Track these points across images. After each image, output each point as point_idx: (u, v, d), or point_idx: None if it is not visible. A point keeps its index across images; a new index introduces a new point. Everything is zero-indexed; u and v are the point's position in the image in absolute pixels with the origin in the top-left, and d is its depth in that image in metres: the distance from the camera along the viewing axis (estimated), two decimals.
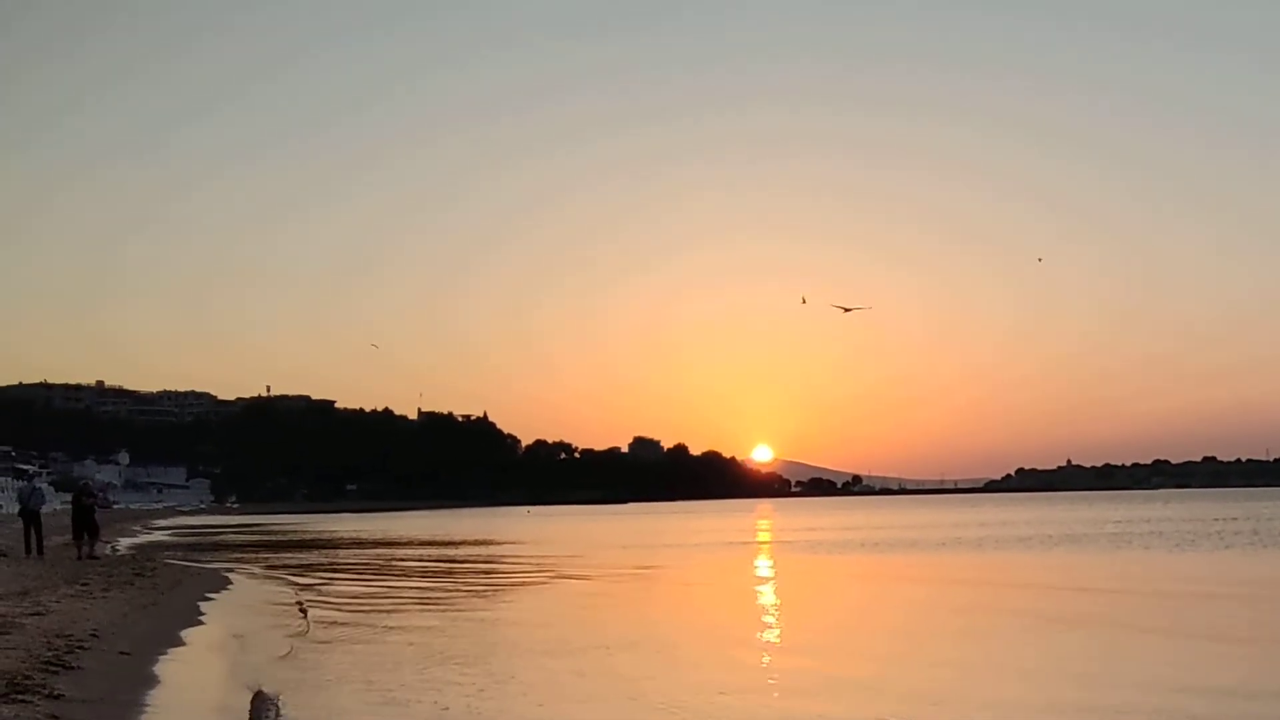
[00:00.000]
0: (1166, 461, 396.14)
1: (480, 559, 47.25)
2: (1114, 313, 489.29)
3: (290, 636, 20.45)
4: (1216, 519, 74.96)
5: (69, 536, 37.66)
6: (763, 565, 42.45)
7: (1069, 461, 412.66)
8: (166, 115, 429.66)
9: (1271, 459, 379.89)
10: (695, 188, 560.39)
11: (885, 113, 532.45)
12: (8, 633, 16.48)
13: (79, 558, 35.21)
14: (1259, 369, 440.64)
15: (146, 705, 13.35)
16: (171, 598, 26.38)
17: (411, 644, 19.02)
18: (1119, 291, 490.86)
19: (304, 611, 25.00)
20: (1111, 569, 36.60)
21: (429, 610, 25.32)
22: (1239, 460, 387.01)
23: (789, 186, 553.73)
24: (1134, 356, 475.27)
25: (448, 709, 13.24)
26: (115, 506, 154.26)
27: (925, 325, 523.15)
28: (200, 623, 22.29)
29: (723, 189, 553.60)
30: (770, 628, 22.26)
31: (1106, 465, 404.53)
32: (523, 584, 33.72)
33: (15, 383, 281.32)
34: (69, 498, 41.58)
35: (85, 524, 36.54)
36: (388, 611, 25.07)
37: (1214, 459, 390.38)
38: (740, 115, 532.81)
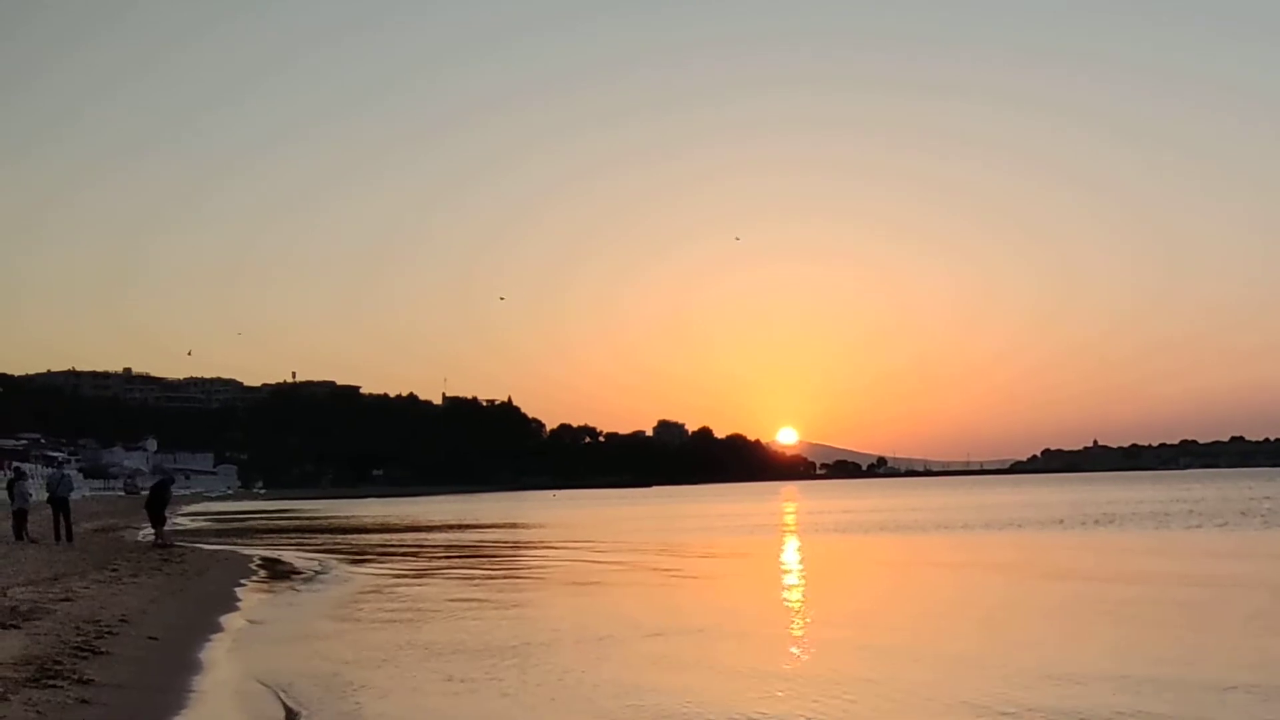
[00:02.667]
0: (1194, 442, 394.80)
1: (508, 543, 47.24)
2: (1142, 293, 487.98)
3: (316, 622, 20.45)
4: (1254, 498, 74.56)
5: (98, 523, 37.99)
6: (791, 548, 42.29)
7: (1095, 442, 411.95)
8: (192, 105, 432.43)
9: None
10: (718, 172, 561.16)
11: (909, 95, 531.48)
12: (38, 619, 16.50)
13: (156, 544, 36.20)
14: None
15: (176, 690, 13.36)
16: (200, 584, 26.41)
17: (432, 636, 18.95)
18: (1146, 272, 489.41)
19: (318, 580, 25.13)
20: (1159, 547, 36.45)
21: (453, 600, 25.21)
22: (1267, 440, 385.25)
23: (813, 169, 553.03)
24: (1161, 337, 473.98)
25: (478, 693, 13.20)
26: (143, 492, 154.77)
27: (952, 306, 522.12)
28: (231, 609, 22.31)
29: (746, 173, 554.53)
30: (802, 611, 22.13)
31: (1133, 446, 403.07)
32: (551, 568, 33.66)
33: (44, 370, 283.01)
34: (98, 484, 41.94)
35: (158, 517, 37.53)
36: (412, 597, 25.03)
37: (1241, 439, 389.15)
38: (762, 100, 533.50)
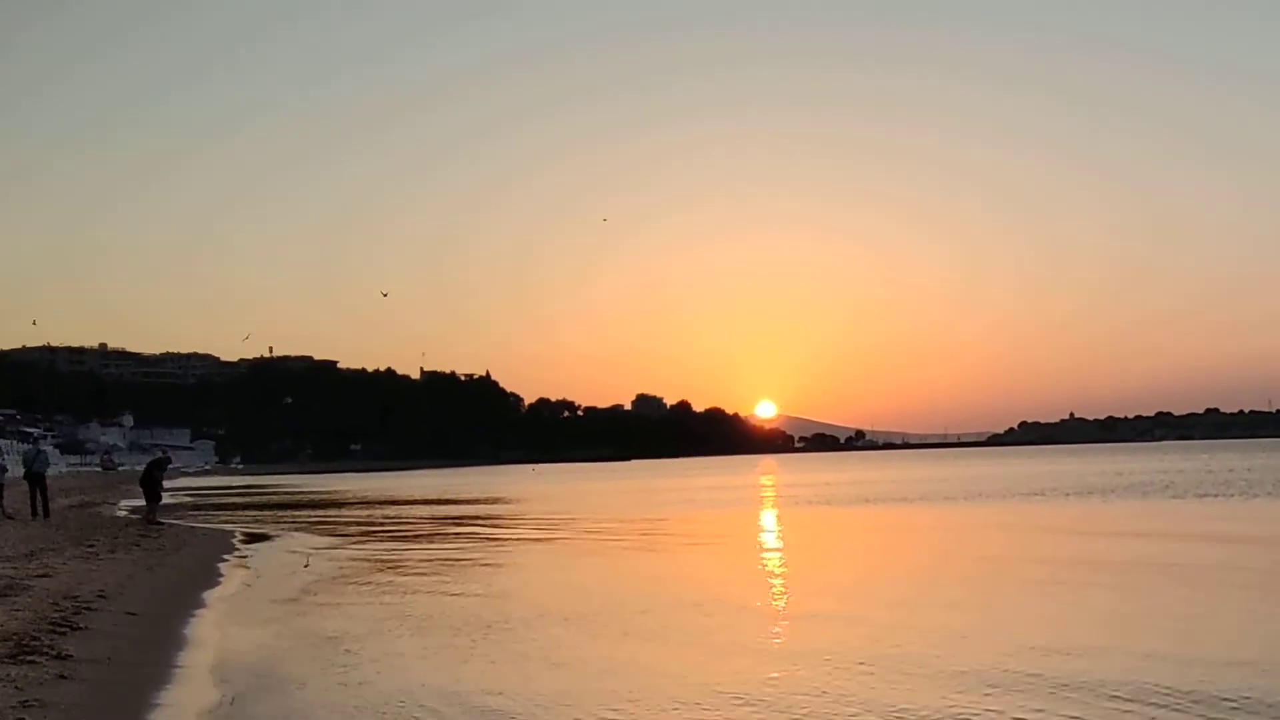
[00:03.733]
0: (1169, 414, 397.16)
1: (489, 518, 47.12)
2: (1128, 267, 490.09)
3: (298, 597, 20.35)
4: (1233, 469, 74.95)
5: (75, 499, 37.83)
6: (772, 521, 42.29)
7: (1072, 414, 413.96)
8: (161, 80, 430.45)
9: (1275, 409, 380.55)
10: (696, 147, 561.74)
11: (894, 70, 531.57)
12: (16, 595, 16.38)
13: (150, 521, 36.06)
14: (1268, 323, 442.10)
15: (154, 665, 13.27)
16: (178, 559, 26.26)
17: (419, 609, 18.88)
18: (1133, 247, 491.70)
19: (304, 566, 25.02)
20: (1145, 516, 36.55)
21: (437, 575, 25.10)
22: (1241, 412, 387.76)
23: (796, 144, 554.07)
24: (1146, 312, 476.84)
25: (460, 679, 13.12)
26: (120, 469, 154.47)
27: (941, 281, 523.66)
28: (210, 584, 22.19)
29: (725, 148, 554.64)
30: (790, 584, 22.08)
31: (1110, 418, 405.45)
32: (533, 543, 33.57)
33: (19, 346, 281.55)
34: (74, 460, 41.96)
35: (153, 491, 37.52)
36: (395, 570, 24.94)
37: (1217, 411, 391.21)
38: (744, 75, 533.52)
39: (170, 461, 38.56)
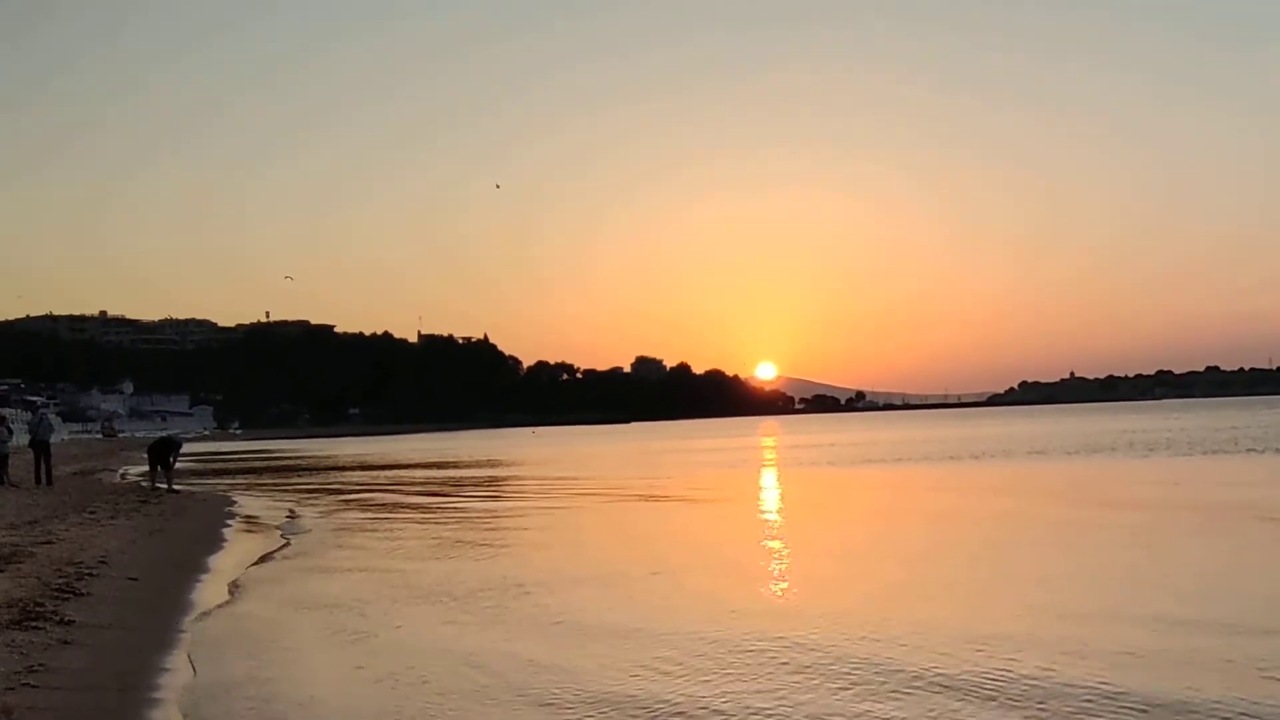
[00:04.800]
0: (1169, 372, 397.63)
1: (490, 481, 47.07)
2: (1133, 226, 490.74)
3: (300, 562, 20.29)
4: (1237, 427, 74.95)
5: (77, 466, 37.83)
6: (776, 482, 42.23)
7: (1072, 374, 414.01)
8: (162, 51, 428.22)
9: (1274, 367, 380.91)
10: (698, 105, 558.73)
11: (896, 27, 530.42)
12: (20, 561, 16.33)
13: (154, 487, 36.45)
14: (1270, 283, 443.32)
15: (155, 630, 13.20)
16: (178, 524, 26.19)
17: (426, 575, 18.81)
18: (1137, 205, 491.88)
19: (296, 532, 24.99)
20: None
21: (442, 539, 25.05)
22: (1241, 369, 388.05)
23: (795, 102, 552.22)
24: (1149, 271, 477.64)
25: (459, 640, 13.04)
26: (121, 435, 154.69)
27: (944, 239, 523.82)
28: (212, 549, 22.13)
29: (726, 106, 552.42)
30: (800, 547, 22.02)
31: (1110, 377, 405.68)
32: (531, 506, 33.49)
33: (23, 315, 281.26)
34: (76, 427, 42.14)
35: (162, 461, 37.68)
36: (397, 535, 24.88)
37: (1217, 369, 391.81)
38: (742, 34, 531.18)
39: (180, 446, 38.99)
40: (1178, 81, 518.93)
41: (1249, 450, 47.66)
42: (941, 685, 9.83)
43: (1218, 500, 27.46)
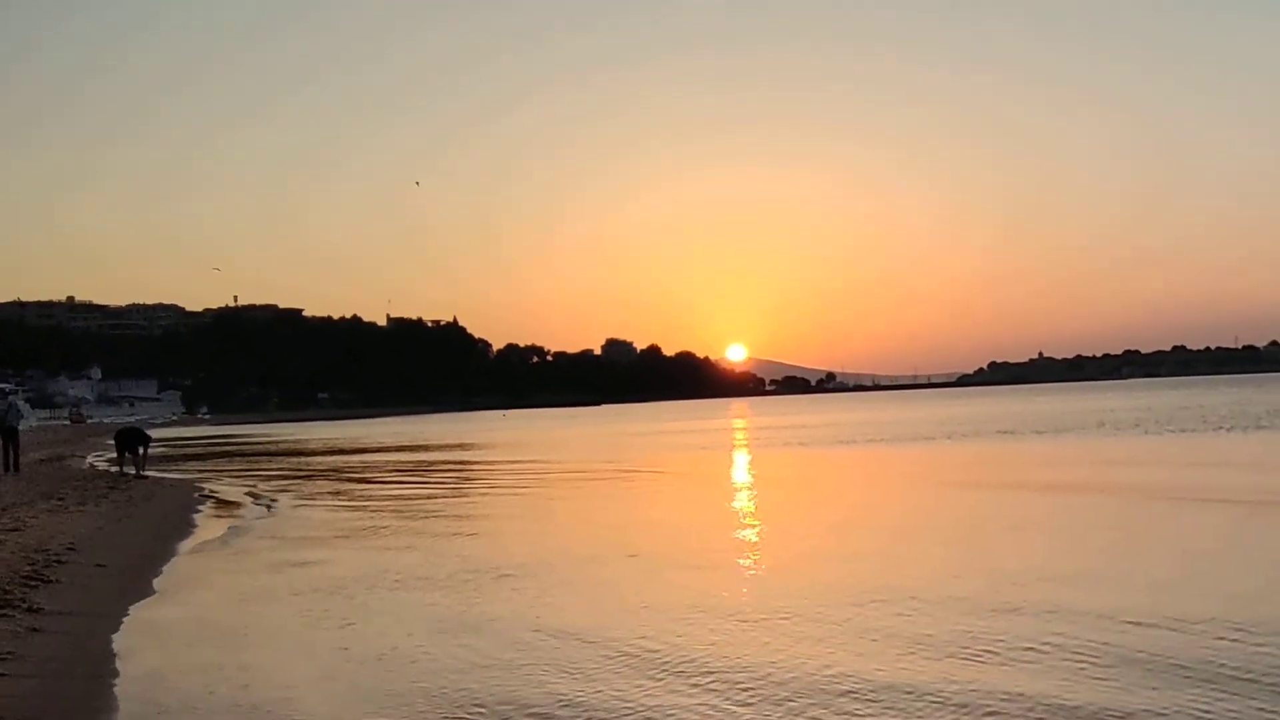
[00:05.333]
0: (1136, 351, 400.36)
1: (457, 464, 46.98)
2: (1122, 204, 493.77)
3: (271, 548, 20.21)
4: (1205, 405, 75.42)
5: (45, 452, 37.76)
6: (748, 464, 42.27)
7: (1040, 354, 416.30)
8: (125, 31, 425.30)
9: (1240, 346, 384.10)
10: (666, 81, 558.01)
11: None
12: None
13: (122, 473, 37.28)
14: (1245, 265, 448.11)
15: (123, 617, 13.14)
16: (147, 510, 26.08)
17: (402, 560, 18.76)
18: (1123, 184, 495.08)
19: (267, 514, 24.92)
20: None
21: (416, 524, 24.97)
22: (1207, 349, 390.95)
23: (768, 77, 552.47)
24: (1134, 249, 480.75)
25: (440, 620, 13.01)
26: (89, 421, 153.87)
27: (927, 217, 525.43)
28: (182, 534, 22.01)
29: (695, 82, 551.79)
30: (760, 530, 22.04)
31: (1078, 357, 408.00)
32: (502, 490, 33.44)
33: None
34: (44, 413, 42.24)
35: (131, 449, 38.51)
36: (371, 520, 24.81)
37: (1183, 348, 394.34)
38: (713, 9, 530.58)
39: (151, 440, 39.35)
40: (1165, 63, 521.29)
41: (1218, 429, 48.06)
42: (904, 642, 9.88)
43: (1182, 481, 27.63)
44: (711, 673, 9.87)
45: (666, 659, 10.38)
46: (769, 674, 9.75)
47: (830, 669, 9.84)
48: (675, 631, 11.54)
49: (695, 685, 9.51)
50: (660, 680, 9.69)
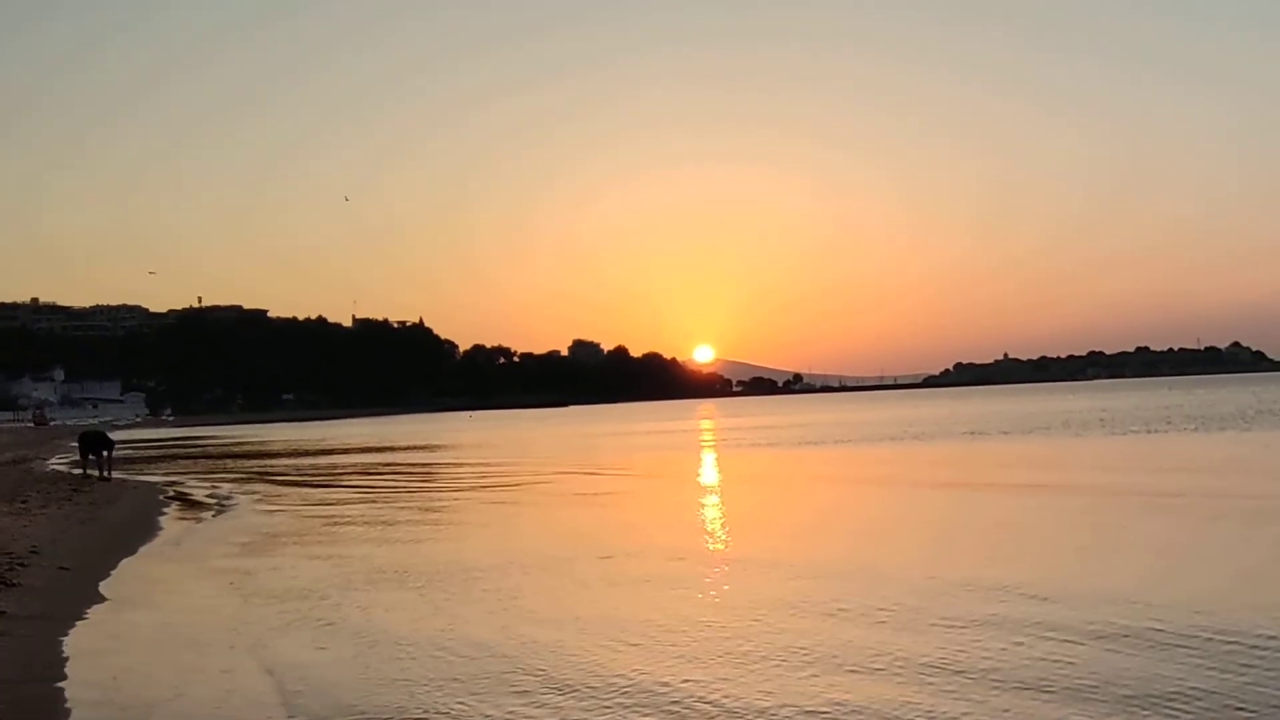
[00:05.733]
0: (1101, 352, 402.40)
1: (423, 466, 46.79)
2: (1087, 206, 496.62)
3: (234, 552, 20.03)
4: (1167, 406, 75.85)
5: (9, 455, 37.50)
6: (715, 464, 42.26)
7: (1006, 355, 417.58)
8: (91, 33, 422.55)
9: (1202, 347, 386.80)
10: (632, 83, 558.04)
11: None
12: None
13: (85, 475, 37.32)
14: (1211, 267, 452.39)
15: (86, 619, 12.99)
16: (110, 512, 25.85)
17: (367, 563, 18.63)
18: (1090, 186, 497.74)
19: (227, 516, 24.76)
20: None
21: (381, 527, 24.84)
22: (1171, 350, 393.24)
23: (733, 77, 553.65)
24: (1109, 252, 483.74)
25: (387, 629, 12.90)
26: (53, 423, 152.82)
27: (893, 220, 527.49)
28: (144, 538, 21.77)
29: (662, 82, 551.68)
30: (727, 531, 21.99)
31: (1043, 358, 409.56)
32: (469, 492, 33.31)
33: None
34: (6, 415, 41.97)
35: (95, 452, 38.43)
36: (335, 523, 24.65)
37: (1147, 349, 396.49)
38: (681, 9, 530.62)
39: (114, 445, 39.23)
40: (1136, 64, 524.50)
41: (1184, 429, 48.36)
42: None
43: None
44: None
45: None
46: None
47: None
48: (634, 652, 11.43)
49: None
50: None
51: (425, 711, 9.01)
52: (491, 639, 11.51)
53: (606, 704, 9.06)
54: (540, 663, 10.41)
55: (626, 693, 9.33)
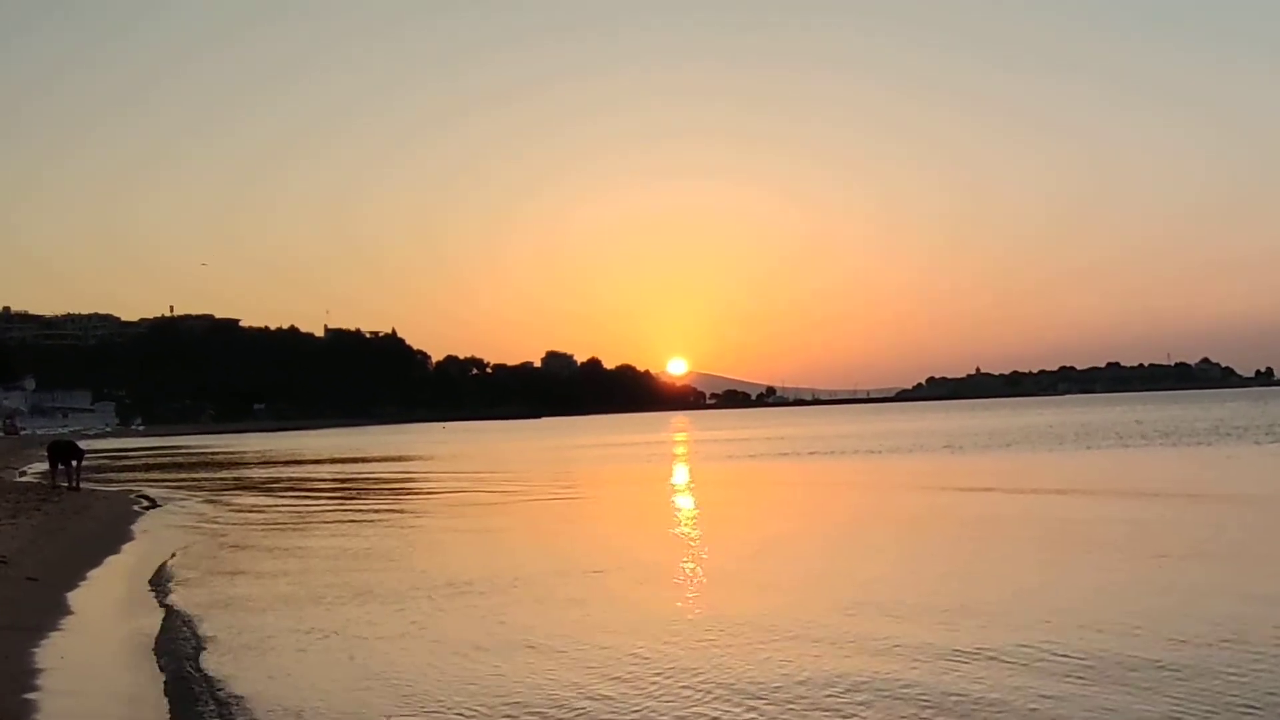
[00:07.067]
0: (1072, 368, 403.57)
1: (394, 478, 46.59)
2: (1052, 221, 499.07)
3: (200, 560, 19.87)
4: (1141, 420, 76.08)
5: None
6: (688, 477, 42.20)
7: (978, 369, 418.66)
8: (67, 44, 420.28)
9: (1173, 363, 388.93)
10: (609, 98, 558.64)
11: (806, 19, 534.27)
12: None
13: (54, 485, 37.28)
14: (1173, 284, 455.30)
15: (54, 631, 12.81)
16: (80, 523, 25.63)
17: (323, 575, 18.50)
18: (1057, 202, 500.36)
19: (200, 529, 24.59)
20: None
21: (350, 540, 24.69)
22: (1141, 365, 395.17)
23: (709, 92, 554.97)
24: (1071, 265, 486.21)
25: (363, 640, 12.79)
26: (23, 433, 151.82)
27: (862, 235, 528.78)
28: (112, 549, 21.56)
29: (637, 98, 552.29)
30: (699, 545, 21.91)
31: (1014, 373, 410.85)
32: (440, 505, 33.17)
33: None
34: None
35: (65, 461, 38.32)
36: (304, 536, 24.49)
37: (1117, 364, 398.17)
38: (650, 27, 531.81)
39: (84, 454, 39.08)
40: (1104, 83, 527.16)
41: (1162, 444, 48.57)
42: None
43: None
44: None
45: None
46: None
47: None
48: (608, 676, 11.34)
49: None
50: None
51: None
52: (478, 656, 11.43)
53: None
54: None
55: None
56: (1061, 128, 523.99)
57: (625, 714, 9.07)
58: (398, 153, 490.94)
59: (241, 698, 9.94)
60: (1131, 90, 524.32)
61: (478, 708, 9.35)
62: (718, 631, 12.03)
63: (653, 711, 9.09)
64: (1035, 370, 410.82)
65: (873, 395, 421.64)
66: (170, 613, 14.26)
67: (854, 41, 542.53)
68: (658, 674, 10.27)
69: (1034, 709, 8.81)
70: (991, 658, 10.40)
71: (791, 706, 9.08)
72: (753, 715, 8.93)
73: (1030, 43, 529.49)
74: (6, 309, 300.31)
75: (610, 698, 9.53)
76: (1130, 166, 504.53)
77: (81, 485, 37.44)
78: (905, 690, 9.40)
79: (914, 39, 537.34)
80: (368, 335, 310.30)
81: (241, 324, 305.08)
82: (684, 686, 9.79)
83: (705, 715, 8.98)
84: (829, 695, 9.34)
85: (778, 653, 10.95)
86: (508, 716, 9.10)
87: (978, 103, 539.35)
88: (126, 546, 21.97)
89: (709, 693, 9.57)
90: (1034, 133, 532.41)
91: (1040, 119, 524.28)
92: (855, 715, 8.81)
